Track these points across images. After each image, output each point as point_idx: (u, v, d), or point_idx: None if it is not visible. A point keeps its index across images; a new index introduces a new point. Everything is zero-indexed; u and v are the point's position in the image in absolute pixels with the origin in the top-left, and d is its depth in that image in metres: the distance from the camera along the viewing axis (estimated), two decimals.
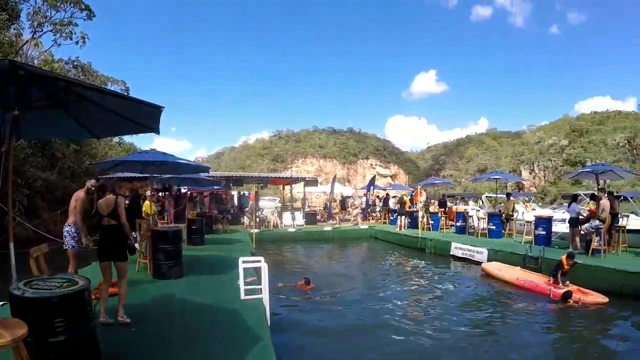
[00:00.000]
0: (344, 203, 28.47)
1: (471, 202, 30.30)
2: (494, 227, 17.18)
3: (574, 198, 14.43)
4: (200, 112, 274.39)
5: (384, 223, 25.28)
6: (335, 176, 32.86)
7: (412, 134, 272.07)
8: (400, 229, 20.92)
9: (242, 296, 7.13)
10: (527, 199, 31.99)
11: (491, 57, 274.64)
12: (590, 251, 11.75)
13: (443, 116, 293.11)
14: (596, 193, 12.94)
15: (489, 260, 13.63)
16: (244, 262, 7.42)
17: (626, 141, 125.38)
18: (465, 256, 14.90)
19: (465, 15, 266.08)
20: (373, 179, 28.53)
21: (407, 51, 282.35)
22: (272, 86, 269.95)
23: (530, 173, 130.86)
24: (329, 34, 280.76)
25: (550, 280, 10.27)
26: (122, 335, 5.38)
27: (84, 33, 33.96)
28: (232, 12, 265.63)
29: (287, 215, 24.11)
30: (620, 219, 12.97)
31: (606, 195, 12.30)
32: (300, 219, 24.12)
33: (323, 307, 9.38)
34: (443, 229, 20.23)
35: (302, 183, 28.59)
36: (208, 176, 19.39)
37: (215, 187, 23.05)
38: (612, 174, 15.16)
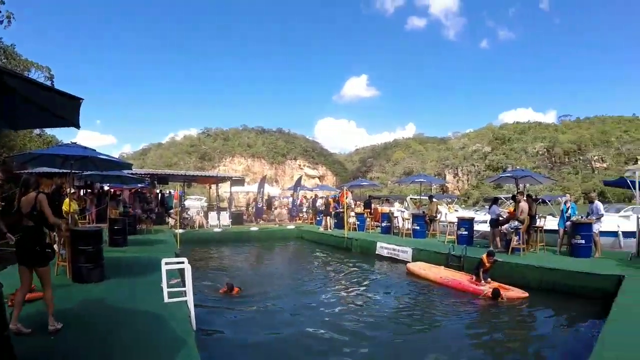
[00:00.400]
0: (270, 203, 28.40)
1: (397, 204, 31.07)
2: (418, 228, 17.64)
3: (495, 201, 15.49)
4: (127, 106, 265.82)
5: (311, 223, 25.47)
6: (264, 176, 32.59)
7: (341, 136, 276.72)
8: (326, 229, 21.25)
9: (166, 299, 6.88)
10: (450, 200, 33.26)
11: (422, 66, 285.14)
12: (510, 250, 12.40)
13: (372, 120, 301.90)
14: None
15: (413, 259, 13.97)
16: (166, 263, 7.14)
17: (545, 150, 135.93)
18: (391, 255, 15.14)
19: (401, 25, 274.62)
20: (299, 180, 28.61)
21: (340, 55, 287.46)
22: (202, 83, 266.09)
23: (454, 177, 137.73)
24: (263, 33, 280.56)
25: (472, 278, 10.64)
26: (38, 344, 5.04)
27: (9, 12, 32.04)
28: (161, 7, 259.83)
29: (213, 215, 23.70)
30: (538, 220, 13.82)
31: (525, 198, 12.97)
32: (226, 219, 23.76)
33: (249, 313, 8.91)
34: (369, 229, 20.61)
35: (229, 182, 28.15)
36: (132, 173, 18.73)
37: (139, 185, 22.35)
38: (530, 179, 16.21)
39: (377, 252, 15.96)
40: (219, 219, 23.20)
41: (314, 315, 8.86)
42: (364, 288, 11.60)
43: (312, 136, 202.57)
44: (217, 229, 22.04)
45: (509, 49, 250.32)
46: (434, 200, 18.89)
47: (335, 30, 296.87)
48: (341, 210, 20.80)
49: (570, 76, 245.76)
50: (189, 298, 6.70)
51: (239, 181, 27.84)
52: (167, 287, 7.04)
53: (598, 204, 12.56)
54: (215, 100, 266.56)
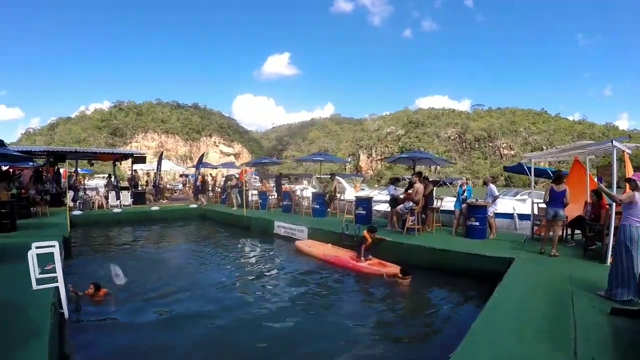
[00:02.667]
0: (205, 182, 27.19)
1: (305, 182, 31.15)
2: (317, 206, 17.49)
3: (393, 181, 15.52)
4: (36, 76, 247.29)
5: (215, 202, 25.07)
6: (162, 152, 31.51)
7: (259, 113, 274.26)
8: (232, 208, 20.91)
9: (34, 286, 6.44)
10: (357, 179, 33.94)
11: (345, 48, 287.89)
12: (405, 230, 12.39)
13: (291, 99, 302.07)
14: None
15: (309, 238, 13.94)
16: (37, 247, 6.77)
17: (457, 135, 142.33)
18: (288, 235, 15.10)
19: (327, 7, 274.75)
20: (202, 157, 27.93)
21: (262, 31, 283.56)
22: (115, 53, 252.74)
23: (368, 157, 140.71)
24: (182, 2, 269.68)
25: (355, 255, 10.82)
26: None
27: None
28: None
29: (113, 195, 22.58)
30: (436, 201, 13.86)
31: (418, 179, 12.95)
32: (128, 198, 22.76)
33: (132, 303, 7.90)
34: (270, 208, 20.32)
35: (130, 160, 26.75)
36: (22, 151, 17.39)
37: (31, 164, 20.93)
38: (428, 161, 16.53)
39: (275, 232, 15.87)
40: (117, 199, 22.02)
41: (196, 302, 8.09)
42: (253, 268, 11.27)
43: (229, 112, 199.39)
44: (116, 210, 20.94)
45: (430, 40, 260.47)
46: (336, 178, 19.10)
47: (260, 5, 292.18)
48: (240, 188, 20.55)
49: (487, 69, 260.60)
50: (60, 284, 6.45)
51: (141, 158, 26.54)
52: (42, 274, 6.68)
53: (492, 187, 12.67)
54: (129, 72, 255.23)
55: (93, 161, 28.15)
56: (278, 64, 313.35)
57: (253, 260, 12.41)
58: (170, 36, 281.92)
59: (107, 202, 21.71)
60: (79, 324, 6.78)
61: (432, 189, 13.81)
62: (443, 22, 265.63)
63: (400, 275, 9.36)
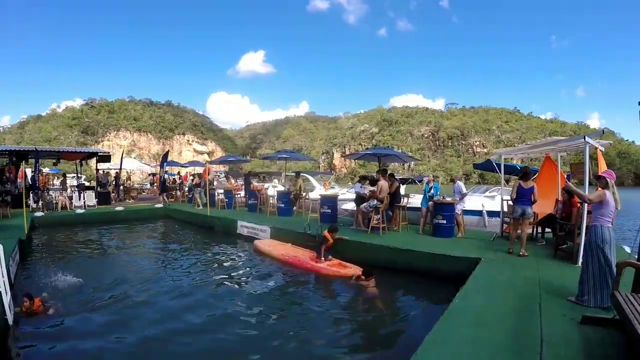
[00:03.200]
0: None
1: (276, 181, 30.35)
2: (282, 205, 16.92)
3: (360, 178, 14.86)
4: (5, 73, 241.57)
5: (182, 201, 24.41)
6: (123, 151, 30.71)
7: (233, 111, 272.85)
8: (196, 207, 20.41)
9: None
10: (327, 177, 33.37)
11: (320, 46, 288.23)
12: (370, 229, 11.93)
13: (266, 97, 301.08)
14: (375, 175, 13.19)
15: (272, 238, 13.40)
16: None
17: (430, 133, 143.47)
18: (250, 235, 14.45)
19: (303, 5, 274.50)
20: (166, 155, 27.20)
21: (237, 28, 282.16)
22: (87, 49, 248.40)
23: (341, 155, 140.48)
24: (156, 1, 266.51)
25: (315, 255, 10.37)
26: None
27: None
28: None
29: (77, 196, 21.73)
30: (404, 199, 13.50)
31: (381, 176, 12.39)
32: (92, 199, 21.94)
33: (78, 308, 7.33)
34: (236, 207, 19.74)
35: (95, 159, 25.87)
36: None
37: None
38: (394, 158, 16.00)
39: (238, 232, 15.20)
40: (79, 198, 20.93)
41: (139, 308, 7.47)
42: (209, 270, 10.64)
43: (203, 110, 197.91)
44: (79, 210, 20.12)
45: (406, 39, 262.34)
46: (302, 176, 18.53)
47: (236, 3, 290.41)
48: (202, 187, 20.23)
49: (461, 69, 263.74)
50: (2, 289, 5.99)
51: (106, 157, 25.72)
52: None
53: (460, 183, 12.27)
54: (102, 69, 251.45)
55: (61, 160, 26.99)
56: (253, 62, 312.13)
57: (210, 262, 11.76)
58: (144, 34, 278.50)
59: (71, 203, 20.86)
60: (24, 331, 6.31)
61: (398, 186, 13.32)
62: (418, 22, 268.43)
63: (362, 276, 8.80)
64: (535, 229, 11.01)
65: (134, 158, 73.84)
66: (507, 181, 15.27)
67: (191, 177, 25.96)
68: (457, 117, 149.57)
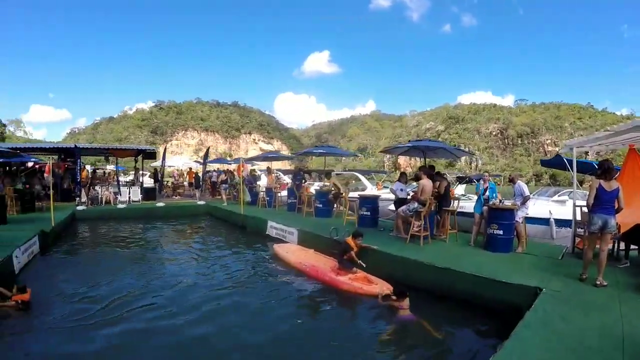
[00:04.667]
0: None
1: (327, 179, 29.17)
2: (320, 206, 15.29)
3: (401, 176, 12.59)
4: (82, 79, 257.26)
5: (228, 199, 23.66)
6: (165, 148, 30.80)
7: (300, 111, 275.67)
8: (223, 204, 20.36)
9: None
10: (380, 176, 31.87)
11: (385, 45, 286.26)
12: (408, 237, 9.94)
13: (333, 96, 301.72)
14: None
15: (298, 242, 12.06)
16: None
17: (499, 131, 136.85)
18: (278, 236, 13.28)
19: (365, 4, 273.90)
20: (207, 152, 26.92)
21: (302, 30, 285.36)
22: (158, 55, 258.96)
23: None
24: (222, 2, 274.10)
25: (337, 266, 8.80)
26: None
27: None
28: None
29: (124, 190, 21.87)
30: (455, 202, 11.17)
31: (424, 174, 10.47)
32: (137, 194, 21.96)
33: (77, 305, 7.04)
34: (276, 206, 18.37)
35: (141, 156, 25.98)
36: (27, 148, 17.13)
37: (33, 160, 20.72)
38: (443, 152, 12.82)
39: (267, 232, 14.10)
40: (127, 193, 21.58)
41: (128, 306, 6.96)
42: (219, 273, 9.59)
43: (270, 110, 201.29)
44: (120, 205, 20.13)
45: (471, 35, 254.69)
46: (335, 174, 17.05)
47: (299, 4, 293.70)
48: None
49: (530, 63, 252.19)
50: None
51: (151, 154, 25.91)
52: None
53: (521, 184, 9.70)
54: (170, 72, 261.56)
55: (111, 157, 27.61)
56: (318, 62, 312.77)
57: (226, 264, 10.66)
58: (212, 37, 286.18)
59: (116, 198, 21.12)
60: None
61: (448, 187, 11.25)
62: (483, 16, 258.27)
63: (393, 296, 6.94)
64: (616, 245, 8.63)
65: (201, 157, 75.29)
66: (582, 182, 13.12)
67: (215, 173, 25.80)
68: (526, 113, 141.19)
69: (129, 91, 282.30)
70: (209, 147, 33.05)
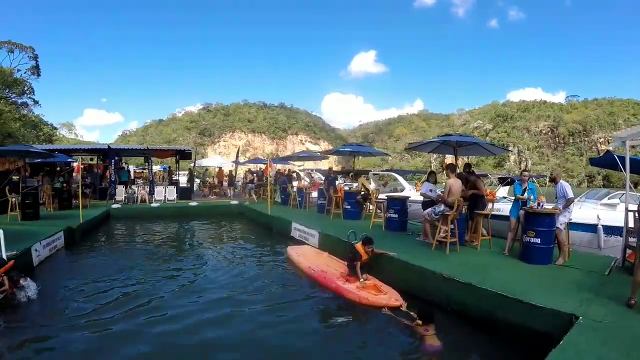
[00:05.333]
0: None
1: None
2: (349, 207, 14.43)
3: (429, 176, 11.27)
4: (134, 84, 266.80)
5: (263, 199, 23.39)
6: (195, 149, 31.06)
7: (347, 111, 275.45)
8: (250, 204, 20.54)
9: None
10: (421, 176, 30.74)
11: (431, 43, 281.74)
12: (433, 243, 8.98)
13: (380, 96, 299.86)
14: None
15: (319, 245, 11.43)
16: None
17: (549, 129, 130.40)
18: (301, 238, 12.67)
19: (410, 2, 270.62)
20: (238, 152, 26.99)
21: (347, 30, 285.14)
22: (204, 59, 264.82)
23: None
24: (268, 4, 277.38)
25: (347, 272, 8.15)
26: None
27: None
28: None
29: (160, 190, 22.12)
30: (490, 205, 10.29)
31: (451, 172, 9.41)
32: (173, 193, 22.10)
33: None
34: (307, 207, 17.97)
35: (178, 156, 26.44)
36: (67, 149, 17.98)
37: (68, 160, 21.28)
38: (476, 148, 11.96)
39: (291, 234, 13.54)
40: (158, 193, 21.89)
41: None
42: (228, 277, 9.00)
43: (317, 111, 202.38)
44: (154, 204, 20.51)
45: (519, 29, 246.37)
46: (372, 174, 16.25)
47: (343, 4, 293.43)
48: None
49: (582, 58, 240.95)
50: None
51: (187, 154, 26.30)
52: None
53: (563, 184, 8.32)
54: (219, 75, 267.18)
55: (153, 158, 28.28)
56: (364, 63, 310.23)
57: (241, 266, 10.26)
58: (258, 39, 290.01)
59: (152, 197, 21.60)
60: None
61: (482, 187, 10.13)
62: (530, 9, 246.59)
63: (418, 320, 5.77)
64: None
65: (248, 157, 76.45)
66: (636, 184, 11.58)
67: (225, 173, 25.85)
68: (577, 110, 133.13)
69: (178, 95, 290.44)
70: (239, 148, 33.18)
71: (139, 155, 27.69)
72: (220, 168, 29.46)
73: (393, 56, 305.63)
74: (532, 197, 8.70)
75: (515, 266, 7.75)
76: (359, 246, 8.14)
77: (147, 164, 28.03)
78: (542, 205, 8.28)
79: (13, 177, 15.37)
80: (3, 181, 14.16)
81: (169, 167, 32.35)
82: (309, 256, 9.99)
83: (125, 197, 20.93)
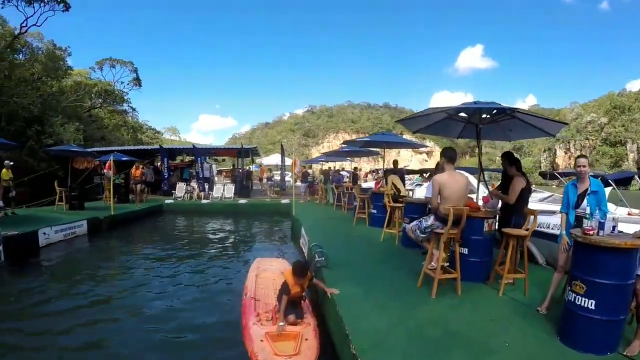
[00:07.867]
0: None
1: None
2: (375, 212, 11.56)
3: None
4: (245, 90, 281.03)
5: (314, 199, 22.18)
6: (256, 147, 31.35)
7: None
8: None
9: None
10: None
11: (539, 33, 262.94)
12: (420, 277, 5.78)
13: (490, 92, 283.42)
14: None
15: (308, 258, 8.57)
16: None
17: None
18: (302, 245, 10.72)
19: None
20: (282, 149, 26.88)
21: (451, 25, 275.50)
22: (310, 63, 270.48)
23: (565, 153, 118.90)
24: (371, 3, 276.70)
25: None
26: None
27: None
28: None
29: (218, 187, 22.63)
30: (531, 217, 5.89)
31: (441, 165, 6.15)
32: (230, 191, 22.43)
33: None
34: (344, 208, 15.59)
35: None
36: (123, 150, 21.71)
37: (124, 159, 22.45)
38: (522, 126, 6.98)
39: (300, 241, 11.50)
40: (202, 190, 22.60)
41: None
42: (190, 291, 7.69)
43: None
44: (204, 201, 21.01)
45: (633, 7, 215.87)
46: (391, 175, 12.51)
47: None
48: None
49: None
50: None
51: (255, 152, 26.77)
52: None
53: None
54: (323, 78, 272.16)
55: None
56: (472, 58, 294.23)
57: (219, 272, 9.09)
58: (360, 40, 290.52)
59: (208, 194, 22.32)
60: None
61: (515, 189, 6.07)
62: None
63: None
64: None
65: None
66: None
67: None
68: None
69: (286, 99, 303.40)
70: (282, 145, 33.01)
71: (204, 155, 28.63)
72: (261, 166, 29.73)
73: (501, 49, 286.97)
74: (589, 208, 4.29)
75: (544, 351, 3.96)
76: (287, 274, 5.21)
77: (213, 162, 29.00)
78: (614, 227, 4.13)
79: (117, 180, 17.89)
80: (79, 178, 16.09)
81: (260, 166, 33.22)
82: (264, 272, 7.32)
83: (185, 193, 21.89)
